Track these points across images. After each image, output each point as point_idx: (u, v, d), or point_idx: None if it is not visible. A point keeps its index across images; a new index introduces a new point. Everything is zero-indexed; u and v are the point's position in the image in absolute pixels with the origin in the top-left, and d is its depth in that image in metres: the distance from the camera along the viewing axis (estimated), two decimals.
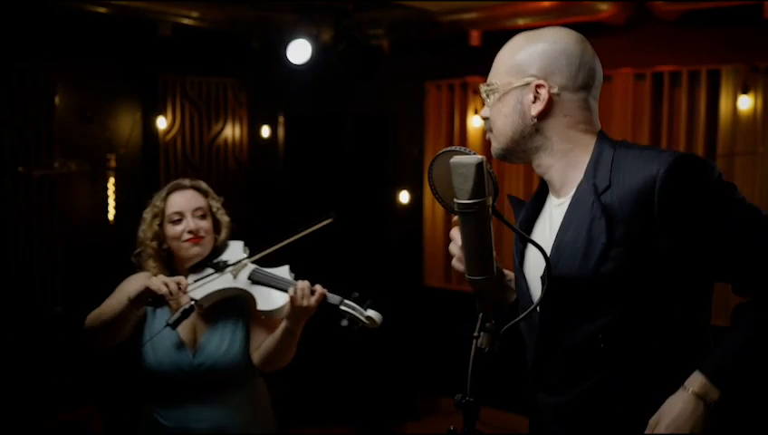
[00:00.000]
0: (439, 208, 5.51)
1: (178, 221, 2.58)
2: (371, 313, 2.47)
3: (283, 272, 2.59)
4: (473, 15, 5.07)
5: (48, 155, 4.66)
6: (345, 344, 5.58)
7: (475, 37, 5.14)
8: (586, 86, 1.65)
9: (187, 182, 2.67)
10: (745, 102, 4.27)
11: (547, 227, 1.70)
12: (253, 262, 2.61)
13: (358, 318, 2.46)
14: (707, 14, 4.41)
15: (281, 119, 5.80)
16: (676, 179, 1.49)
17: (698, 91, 4.45)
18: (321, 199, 5.73)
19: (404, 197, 5.60)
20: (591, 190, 1.58)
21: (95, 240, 4.89)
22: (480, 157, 1.38)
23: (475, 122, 5.26)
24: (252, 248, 2.67)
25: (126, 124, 5.20)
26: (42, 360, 4.49)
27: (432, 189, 1.55)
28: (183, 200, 2.60)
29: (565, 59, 1.64)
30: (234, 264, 2.58)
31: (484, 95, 1.73)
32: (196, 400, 2.53)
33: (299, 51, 5.01)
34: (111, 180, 4.93)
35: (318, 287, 2.47)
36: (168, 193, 2.62)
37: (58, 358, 4.54)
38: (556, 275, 1.56)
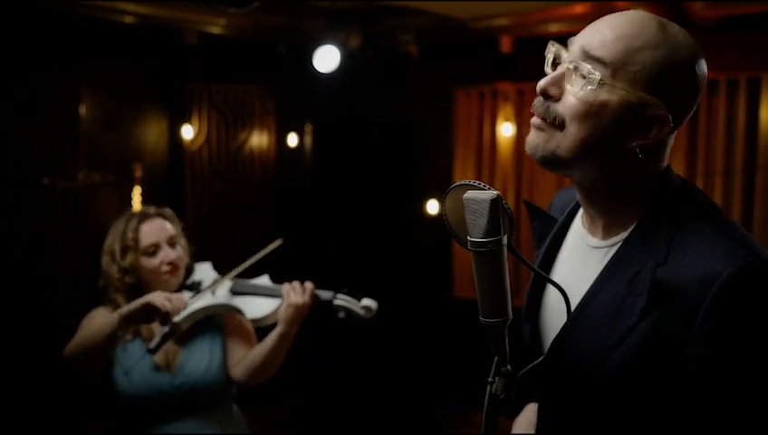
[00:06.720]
0: None
1: (154, 253, 2.51)
2: (366, 301, 2.53)
3: (264, 280, 2.62)
4: (503, 21, 4.95)
5: (73, 165, 4.63)
6: (374, 357, 5.55)
7: (505, 43, 5.04)
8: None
9: (153, 210, 2.59)
10: None
11: (575, 271, 1.41)
12: (224, 276, 2.62)
13: (353, 310, 2.51)
14: (747, 19, 4.27)
15: (308, 126, 5.74)
16: (739, 290, 1.17)
17: (737, 100, 4.30)
18: (349, 207, 5.67)
19: (432, 205, 5.51)
20: (640, 258, 1.27)
21: None
22: (495, 192, 1.27)
23: (504, 131, 5.14)
24: (218, 268, 2.69)
25: (152, 134, 5.17)
26: (67, 371, 4.47)
27: (446, 224, 1.38)
28: (156, 230, 2.53)
29: (695, 88, 1.29)
30: (213, 283, 2.56)
31: (569, 66, 1.26)
32: (178, 421, 2.46)
33: (326, 58, 4.94)
34: (137, 190, 4.90)
35: (308, 283, 2.49)
36: (139, 223, 2.53)
37: None
38: (572, 343, 1.33)
